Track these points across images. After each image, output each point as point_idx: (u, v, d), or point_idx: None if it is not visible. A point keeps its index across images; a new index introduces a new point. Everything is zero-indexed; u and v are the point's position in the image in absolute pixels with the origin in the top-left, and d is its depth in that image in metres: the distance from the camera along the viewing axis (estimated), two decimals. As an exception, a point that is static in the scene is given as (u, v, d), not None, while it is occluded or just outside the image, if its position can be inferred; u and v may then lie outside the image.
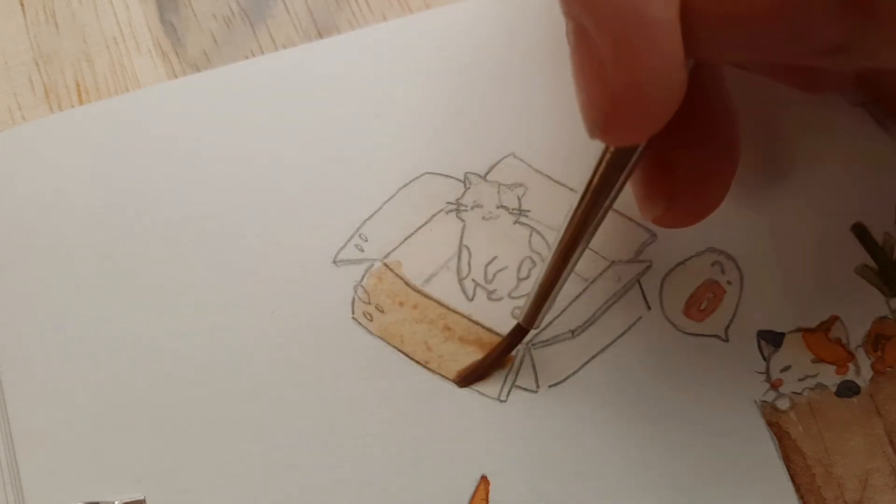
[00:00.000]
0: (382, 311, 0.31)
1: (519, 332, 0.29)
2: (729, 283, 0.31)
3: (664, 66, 0.21)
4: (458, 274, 0.31)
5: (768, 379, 0.30)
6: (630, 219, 0.31)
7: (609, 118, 0.22)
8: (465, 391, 0.30)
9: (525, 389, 0.30)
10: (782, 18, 0.21)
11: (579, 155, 0.32)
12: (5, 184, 0.32)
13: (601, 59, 0.22)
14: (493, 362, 0.30)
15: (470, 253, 0.31)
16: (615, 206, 0.31)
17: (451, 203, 0.32)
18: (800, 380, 0.30)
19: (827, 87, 0.31)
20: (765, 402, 0.30)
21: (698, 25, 0.21)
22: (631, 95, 0.22)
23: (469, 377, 0.30)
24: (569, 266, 0.27)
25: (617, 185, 0.26)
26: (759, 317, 0.31)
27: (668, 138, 0.24)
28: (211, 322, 0.30)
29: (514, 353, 0.30)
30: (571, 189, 0.32)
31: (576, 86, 0.23)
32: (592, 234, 0.27)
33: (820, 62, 0.24)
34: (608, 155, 0.25)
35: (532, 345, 0.30)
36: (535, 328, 0.29)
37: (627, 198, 0.32)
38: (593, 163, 0.26)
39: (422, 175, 0.32)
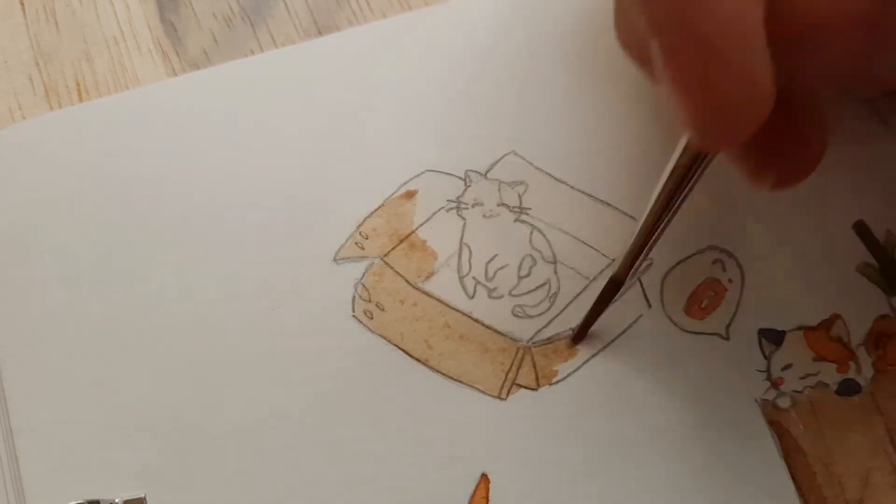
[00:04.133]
0: (383, 309, 0.31)
1: (616, 285, 0.29)
2: (730, 281, 0.31)
3: (749, 85, 0.23)
4: (459, 272, 0.31)
5: (769, 377, 0.30)
6: (631, 217, 0.31)
7: (705, 131, 0.24)
8: (464, 390, 0.30)
9: (525, 387, 0.30)
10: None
11: (580, 153, 0.32)
12: (5, 181, 0.32)
13: (692, 76, 0.23)
14: (593, 317, 0.30)
15: (470, 251, 0.31)
16: (615, 204, 0.32)
17: (452, 201, 0.32)
18: (801, 378, 0.30)
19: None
20: (766, 400, 0.30)
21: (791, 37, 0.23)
22: (724, 113, 0.23)
23: (578, 337, 0.30)
24: (658, 232, 0.28)
25: (697, 174, 0.27)
26: (760, 315, 0.31)
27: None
28: (211, 320, 0.30)
29: (516, 351, 0.30)
30: (572, 187, 0.32)
31: (671, 100, 0.24)
32: (674, 215, 0.28)
33: None
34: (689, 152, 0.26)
35: (532, 343, 0.30)
36: (631, 281, 0.29)
37: (627, 195, 0.32)
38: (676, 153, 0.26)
39: (422, 173, 0.32)
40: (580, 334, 0.30)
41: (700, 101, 0.23)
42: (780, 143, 0.27)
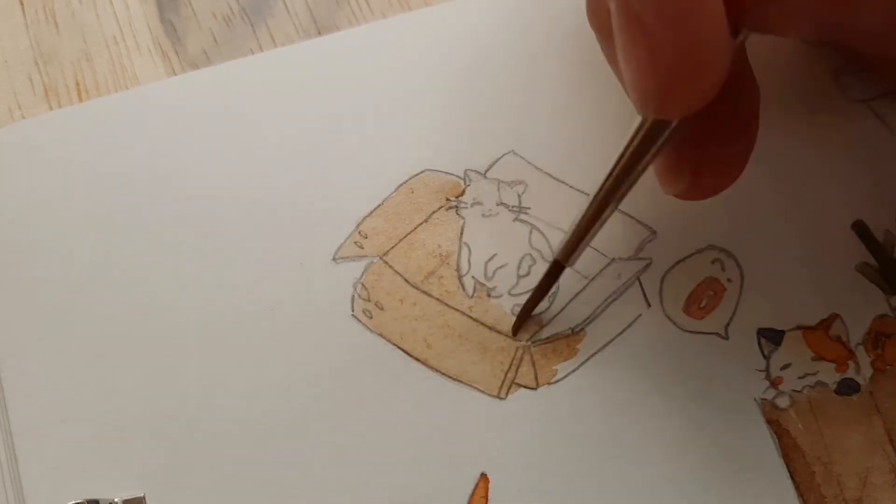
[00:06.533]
0: (382, 309, 0.31)
1: (558, 268, 0.29)
2: (729, 280, 0.31)
3: (715, 35, 0.22)
4: (458, 271, 0.31)
5: (768, 377, 0.30)
6: (630, 216, 0.31)
7: (663, 92, 0.23)
8: (463, 389, 0.30)
9: (524, 387, 0.30)
10: None
11: (579, 152, 0.32)
12: (5, 181, 0.32)
13: (651, 35, 0.22)
14: (532, 304, 0.30)
15: (470, 250, 0.31)
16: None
17: (451, 200, 0.32)
18: (800, 378, 0.30)
19: None
20: (765, 399, 0.30)
21: None
22: (686, 68, 0.22)
23: (516, 325, 0.30)
24: (603, 217, 0.28)
25: (651, 153, 0.26)
26: (759, 314, 0.30)
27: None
28: (211, 319, 0.30)
29: (516, 350, 0.30)
30: (571, 186, 0.32)
31: (624, 64, 0.24)
32: (622, 197, 0.28)
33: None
34: (646, 126, 0.26)
35: (532, 342, 0.30)
36: (571, 266, 0.29)
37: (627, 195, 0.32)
38: (629, 132, 0.26)
39: (421, 172, 0.32)
40: (519, 322, 0.30)
41: (656, 58, 0.22)
42: (716, 133, 0.27)
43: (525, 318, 0.30)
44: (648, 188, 0.32)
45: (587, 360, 0.30)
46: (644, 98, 0.24)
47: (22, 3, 0.36)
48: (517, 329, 0.30)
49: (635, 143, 0.26)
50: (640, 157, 0.26)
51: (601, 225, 0.28)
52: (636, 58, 0.23)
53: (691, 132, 0.27)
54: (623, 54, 0.24)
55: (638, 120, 0.26)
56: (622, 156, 0.27)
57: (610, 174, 0.27)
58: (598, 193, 0.27)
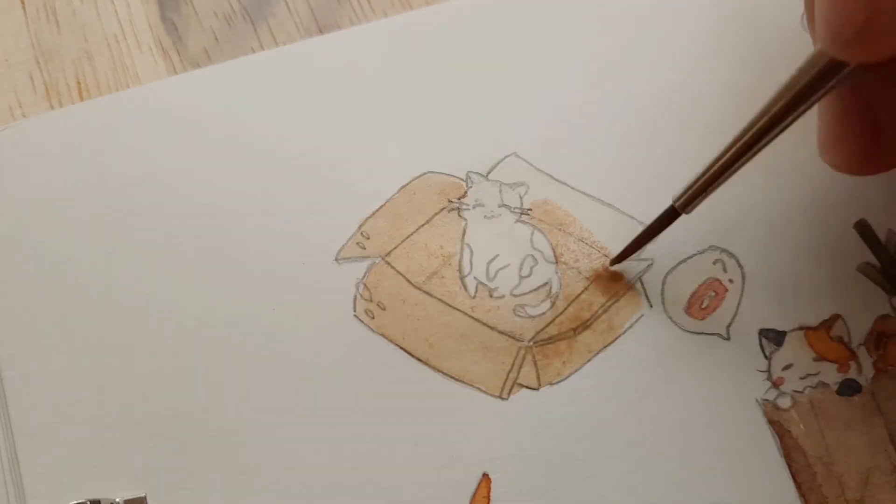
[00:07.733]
0: (384, 309, 0.31)
1: (672, 215, 0.28)
2: (731, 281, 0.31)
3: None
4: (460, 272, 0.31)
5: (770, 377, 0.30)
6: (632, 217, 0.31)
7: (864, 30, 0.20)
8: (465, 389, 0.30)
9: (526, 387, 0.30)
10: None
11: (581, 154, 0.32)
12: (5, 180, 0.32)
13: None
14: (640, 242, 0.30)
15: (472, 251, 0.31)
16: (616, 204, 0.32)
17: (453, 202, 0.32)
18: (801, 378, 0.30)
19: None
20: (766, 400, 0.30)
21: None
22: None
23: (617, 259, 0.30)
24: (738, 164, 0.26)
25: (814, 99, 0.23)
26: (760, 315, 0.31)
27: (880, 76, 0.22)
28: (212, 319, 0.30)
29: (518, 351, 0.30)
30: (573, 188, 0.32)
31: None
32: (771, 139, 0.25)
33: None
34: (820, 65, 0.23)
35: (534, 342, 0.30)
36: (687, 214, 0.28)
37: (627, 195, 0.32)
38: (795, 68, 0.23)
39: (424, 174, 0.32)
40: (621, 256, 0.30)
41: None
42: None
43: (625, 257, 0.30)
44: (648, 189, 0.32)
45: (589, 360, 0.30)
46: (834, 31, 0.20)
47: (23, 2, 0.36)
48: (615, 261, 0.31)
49: (802, 83, 0.23)
50: (802, 102, 0.23)
51: (730, 175, 0.26)
52: None
53: (870, 89, 0.24)
54: None
55: (808, 59, 0.23)
56: (779, 98, 0.24)
57: (762, 116, 0.24)
58: (742, 138, 0.25)
